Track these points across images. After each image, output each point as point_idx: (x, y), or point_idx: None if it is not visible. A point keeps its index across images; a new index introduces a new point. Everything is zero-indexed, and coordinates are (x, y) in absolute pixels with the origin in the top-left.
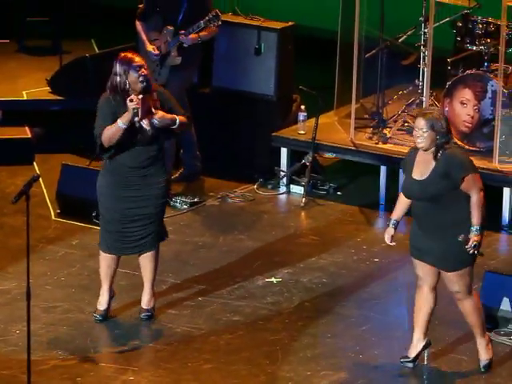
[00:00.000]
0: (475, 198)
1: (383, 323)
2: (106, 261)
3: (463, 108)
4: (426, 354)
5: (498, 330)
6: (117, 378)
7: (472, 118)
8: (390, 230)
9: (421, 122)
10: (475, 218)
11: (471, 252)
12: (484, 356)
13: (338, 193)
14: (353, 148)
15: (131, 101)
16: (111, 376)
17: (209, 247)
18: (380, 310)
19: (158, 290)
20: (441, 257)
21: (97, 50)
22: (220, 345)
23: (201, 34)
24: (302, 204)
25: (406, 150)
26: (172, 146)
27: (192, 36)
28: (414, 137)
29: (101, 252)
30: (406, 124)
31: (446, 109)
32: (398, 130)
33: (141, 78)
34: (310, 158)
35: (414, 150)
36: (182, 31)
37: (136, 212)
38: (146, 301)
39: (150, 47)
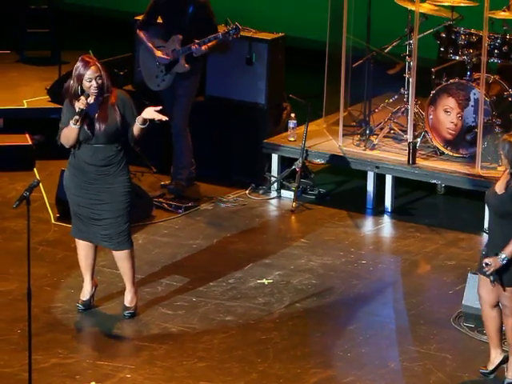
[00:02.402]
0: None
1: (370, 322)
2: (82, 251)
3: (447, 116)
4: (505, 367)
5: (480, 328)
6: (114, 375)
7: (455, 125)
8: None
9: (499, 144)
10: (509, 247)
11: (484, 270)
12: (511, 375)
13: (327, 197)
14: (341, 154)
15: (78, 101)
16: (109, 374)
17: (203, 250)
18: (367, 309)
19: (153, 291)
20: (498, 272)
21: None
22: (213, 344)
23: (211, 44)
24: (293, 208)
25: (392, 156)
26: (186, 145)
27: (203, 47)
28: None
29: (76, 241)
30: (391, 131)
31: (431, 117)
32: (385, 136)
33: (92, 90)
34: (300, 164)
35: None
36: (196, 44)
37: (95, 207)
38: (128, 299)
39: (158, 53)
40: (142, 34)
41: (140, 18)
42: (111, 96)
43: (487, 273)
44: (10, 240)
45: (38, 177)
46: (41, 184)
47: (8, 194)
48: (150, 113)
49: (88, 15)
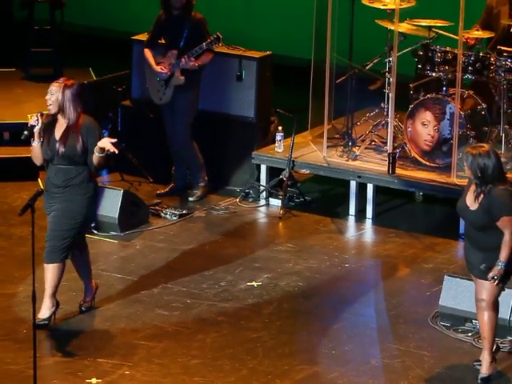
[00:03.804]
0: (508, 237)
1: (353, 322)
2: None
3: (424, 128)
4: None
5: (456, 327)
6: (114, 372)
7: (432, 137)
8: None
9: (465, 165)
10: (503, 254)
11: (491, 282)
12: (484, 370)
13: (312, 205)
14: (325, 165)
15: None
16: (109, 371)
17: (196, 254)
18: (351, 310)
19: (150, 293)
20: (477, 265)
21: (94, 78)
22: (206, 342)
23: (199, 61)
24: (280, 215)
25: (373, 166)
26: (193, 151)
27: (191, 63)
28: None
29: None
30: (372, 143)
31: (409, 129)
32: (366, 148)
33: (47, 102)
34: (287, 174)
35: None
36: (185, 55)
37: (51, 220)
38: (43, 310)
39: (157, 68)
40: (147, 53)
41: (136, 37)
42: (76, 122)
43: (495, 283)
44: (16, 245)
45: (41, 186)
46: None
47: (14, 203)
48: (105, 143)
49: (88, 35)
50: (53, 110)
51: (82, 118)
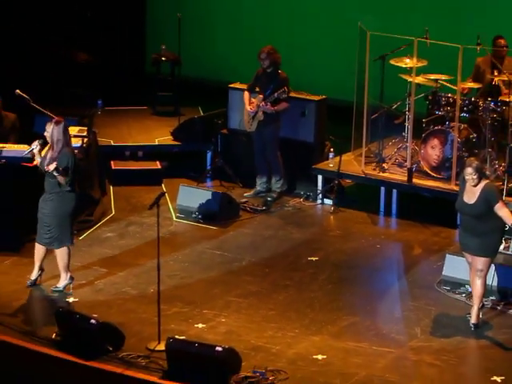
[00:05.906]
0: (504, 213)
1: (382, 286)
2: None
3: (433, 150)
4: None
5: (454, 290)
6: (214, 319)
7: (438, 157)
8: None
9: (469, 170)
10: (508, 219)
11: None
12: (474, 319)
13: (354, 204)
14: (363, 176)
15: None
16: (210, 319)
17: (272, 238)
18: (380, 277)
19: (239, 265)
20: (477, 248)
21: (202, 113)
22: (279, 299)
23: (276, 107)
24: (331, 211)
25: (398, 177)
26: (278, 165)
27: (269, 107)
28: (467, 180)
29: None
30: (396, 160)
31: (422, 151)
32: (392, 164)
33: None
34: (336, 182)
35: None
36: (264, 101)
37: (43, 219)
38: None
39: (248, 107)
40: (245, 95)
41: (231, 85)
42: (57, 150)
43: (509, 252)
44: (146, 230)
45: (164, 189)
46: (166, 194)
47: (145, 201)
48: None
49: (198, 83)
50: (48, 140)
51: (63, 148)
